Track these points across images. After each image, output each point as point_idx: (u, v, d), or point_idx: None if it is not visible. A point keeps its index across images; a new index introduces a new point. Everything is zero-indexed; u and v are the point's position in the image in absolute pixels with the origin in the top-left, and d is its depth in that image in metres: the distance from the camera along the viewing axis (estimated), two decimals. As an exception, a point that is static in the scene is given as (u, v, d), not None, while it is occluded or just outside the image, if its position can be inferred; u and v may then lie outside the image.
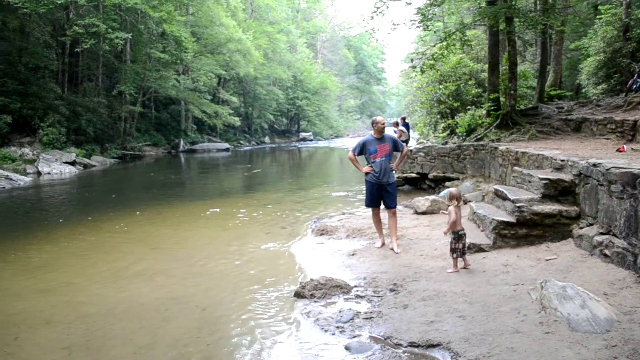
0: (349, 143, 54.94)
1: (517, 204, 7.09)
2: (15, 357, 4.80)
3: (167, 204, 14.67)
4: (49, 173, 24.17)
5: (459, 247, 6.28)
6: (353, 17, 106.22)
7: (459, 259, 6.38)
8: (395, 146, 7.84)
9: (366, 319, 5.14)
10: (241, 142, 54.40)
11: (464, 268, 6.33)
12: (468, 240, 6.77)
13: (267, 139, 61.64)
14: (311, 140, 64.75)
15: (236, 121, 47.65)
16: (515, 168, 8.78)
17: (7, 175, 20.42)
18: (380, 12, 15.55)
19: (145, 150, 37.22)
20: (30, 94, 27.64)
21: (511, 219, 7.14)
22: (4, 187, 18.86)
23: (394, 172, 7.89)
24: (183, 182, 21.33)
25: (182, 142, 42.65)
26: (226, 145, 46.49)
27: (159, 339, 5.09)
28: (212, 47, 43.04)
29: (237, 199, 15.67)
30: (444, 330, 4.71)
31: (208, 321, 5.49)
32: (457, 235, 6.28)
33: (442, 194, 11.90)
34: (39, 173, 24.08)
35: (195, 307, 5.89)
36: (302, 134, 67.29)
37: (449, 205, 6.44)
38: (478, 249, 7.05)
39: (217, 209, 13.03)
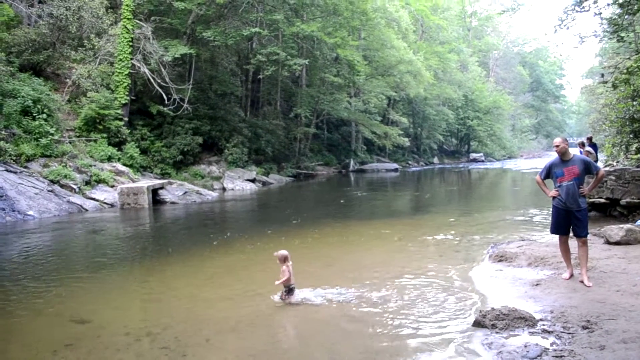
0: (523, 164, 52.02)
1: None
2: (206, 358, 5.18)
3: (339, 222, 15.03)
4: (232, 189, 26.27)
5: (288, 298, 6.83)
6: (528, 32, 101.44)
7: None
8: (588, 169, 7.06)
9: (556, 357, 4.67)
10: (409, 162, 54.31)
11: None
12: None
13: (435, 160, 60.79)
14: (482, 161, 62.42)
15: (405, 142, 47.70)
16: None
17: (198, 190, 22.59)
18: (565, 26, 14.50)
19: (318, 169, 38.79)
20: (218, 118, 30.47)
21: None
22: (194, 201, 20.86)
23: (584, 197, 7.15)
24: (353, 201, 21.75)
25: (352, 162, 43.75)
26: (395, 165, 46.70)
27: (335, 356, 5.13)
28: (383, 69, 43.74)
29: (407, 220, 15.55)
30: (653, 379, 4.11)
31: (383, 343, 5.42)
32: (289, 289, 6.84)
33: (638, 222, 10.62)
34: (223, 189, 26.29)
35: (371, 327, 5.86)
36: (473, 155, 65.17)
37: (281, 266, 6.84)
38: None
39: (388, 230, 13.03)
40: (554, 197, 7.22)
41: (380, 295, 7.08)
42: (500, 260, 8.53)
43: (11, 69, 21.58)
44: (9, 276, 8.84)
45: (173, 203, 20.09)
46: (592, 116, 40.59)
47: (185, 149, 27.27)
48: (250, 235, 12.68)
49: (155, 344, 5.54)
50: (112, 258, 10.57)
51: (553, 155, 7.31)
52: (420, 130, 59.44)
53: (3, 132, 18.48)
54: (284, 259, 6.87)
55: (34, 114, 19.91)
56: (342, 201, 20.96)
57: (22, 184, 16.90)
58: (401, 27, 46.76)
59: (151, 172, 25.35)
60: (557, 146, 7.12)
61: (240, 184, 27.12)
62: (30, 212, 15.87)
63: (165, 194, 20.62)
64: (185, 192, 21.62)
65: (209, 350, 5.39)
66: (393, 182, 34.08)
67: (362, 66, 37.23)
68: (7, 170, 17.19)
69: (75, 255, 11.03)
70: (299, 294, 6.96)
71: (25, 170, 18.10)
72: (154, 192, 19.99)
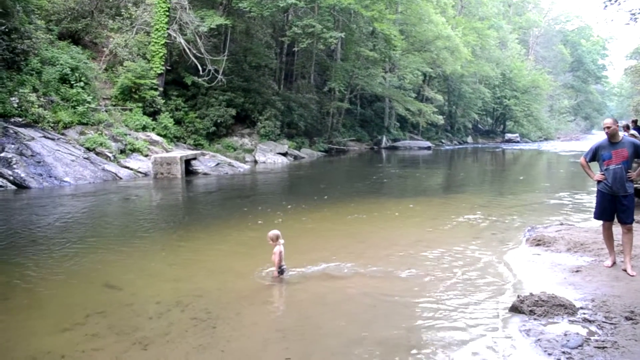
0: (560, 146, 50.79)
1: None
2: (236, 331, 5.12)
3: (372, 198, 14.89)
4: (264, 162, 26.32)
5: (279, 277, 6.79)
6: (571, 9, 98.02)
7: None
8: (637, 152, 6.70)
9: (598, 348, 4.47)
10: (443, 140, 53.57)
11: None
12: None
13: (469, 139, 59.87)
14: (517, 141, 61.16)
15: (439, 119, 46.97)
16: None
17: (230, 162, 22.67)
18: (616, 1, 13.83)
19: (350, 145, 38.56)
20: (251, 90, 30.39)
21: None
22: (226, 173, 20.95)
23: (632, 182, 6.82)
24: (385, 178, 21.53)
25: (384, 139, 43.35)
26: (427, 143, 46.10)
27: (368, 334, 5.02)
28: (420, 44, 42.86)
29: (441, 199, 15.30)
30: (703, 376, 3.90)
31: (417, 323, 5.30)
32: (281, 270, 6.81)
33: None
34: (255, 161, 26.36)
35: (403, 307, 5.75)
36: (508, 135, 63.90)
37: (273, 245, 6.86)
38: None
39: (421, 209, 12.85)
40: (599, 181, 6.91)
41: (413, 274, 6.95)
42: (537, 244, 8.27)
43: (50, 36, 21.82)
44: (47, 240, 8.99)
45: (205, 174, 20.20)
46: (636, 98, 39.33)
47: (219, 121, 27.34)
48: (282, 208, 12.62)
49: (185, 314, 5.53)
50: (145, 226, 10.66)
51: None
52: (455, 108, 58.43)
53: (42, 99, 18.75)
54: (276, 238, 6.85)
55: (72, 82, 20.14)
56: (374, 177, 20.76)
57: (59, 150, 17.16)
58: (440, 1, 45.65)
59: (184, 143, 25.51)
60: (607, 127, 6.75)
61: (272, 157, 27.13)
62: (67, 179, 16.13)
63: (197, 165, 20.73)
64: (218, 164, 21.70)
65: (239, 322, 5.34)
66: (426, 161, 33.65)
67: (398, 41, 36.48)
68: (45, 137, 17.46)
69: (109, 222, 11.17)
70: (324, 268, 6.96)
71: (62, 137, 18.37)
72: (187, 162, 20.11)
